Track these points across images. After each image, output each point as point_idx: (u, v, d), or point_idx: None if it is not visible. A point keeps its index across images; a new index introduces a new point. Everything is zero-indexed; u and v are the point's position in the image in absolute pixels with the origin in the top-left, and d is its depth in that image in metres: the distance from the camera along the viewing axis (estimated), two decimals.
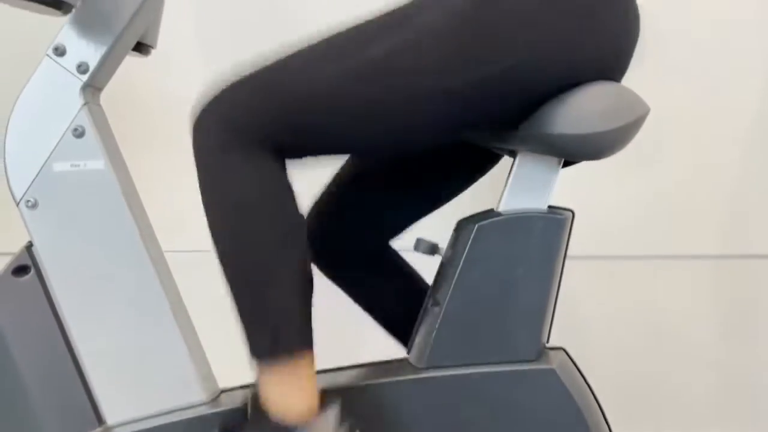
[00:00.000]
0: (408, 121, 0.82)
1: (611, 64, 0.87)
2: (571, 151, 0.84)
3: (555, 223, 0.90)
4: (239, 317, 0.85)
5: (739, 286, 1.76)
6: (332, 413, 0.83)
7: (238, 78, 0.86)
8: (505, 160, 1.03)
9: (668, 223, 1.72)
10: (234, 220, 0.84)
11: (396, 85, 0.80)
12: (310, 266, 0.86)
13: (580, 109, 0.81)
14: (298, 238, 0.85)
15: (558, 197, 0.95)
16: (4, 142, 0.96)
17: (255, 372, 0.86)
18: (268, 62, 0.86)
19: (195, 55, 1.84)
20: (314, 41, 0.85)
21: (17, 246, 0.98)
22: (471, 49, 0.80)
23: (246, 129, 0.82)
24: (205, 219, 0.91)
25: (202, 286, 1.80)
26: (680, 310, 1.74)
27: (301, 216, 0.86)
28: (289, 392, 0.83)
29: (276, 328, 0.83)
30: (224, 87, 0.86)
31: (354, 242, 1.10)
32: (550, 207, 0.93)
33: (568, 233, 0.92)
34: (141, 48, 1.11)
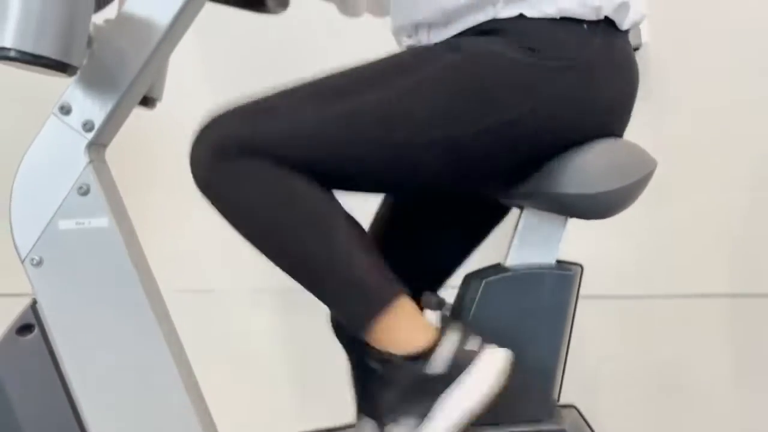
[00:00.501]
0: (390, 169, 0.83)
1: (613, 118, 0.86)
2: (578, 211, 0.83)
3: (564, 279, 0.89)
4: (327, 303, 0.86)
5: (751, 325, 1.73)
6: (455, 331, 0.83)
7: (231, 106, 0.87)
8: (513, 211, 1.03)
9: (678, 262, 1.71)
10: (264, 222, 0.84)
11: (388, 131, 0.81)
12: (353, 219, 0.86)
13: (586, 169, 0.80)
14: (327, 203, 0.84)
15: (565, 237, 0.94)
16: (10, 200, 0.96)
17: (370, 340, 0.84)
18: (269, 93, 0.87)
19: (200, 90, 1.85)
20: (313, 80, 0.86)
21: (21, 286, 0.97)
22: (469, 102, 0.81)
23: (236, 142, 0.83)
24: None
25: (207, 323, 1.78)
26: (692, 351, 1.72)
27: (323, 191, 0.85)
28: (406, 335, 0.83)
29: (360, 293, 0.83)
30: (222, 110, 0.88)
31: None
32: (558, 261, 0.92)
33: (577, 289, 0.91)
34: (146, 101, 1.12)
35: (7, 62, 0.84)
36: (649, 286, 1.73)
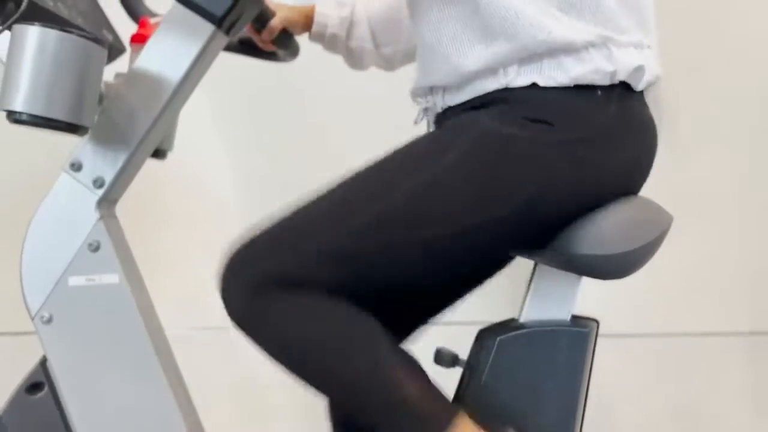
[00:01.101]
0: (427, 266, 0.82)
1: (630, 180, 0.85)
2: (594, 272, 0.82)
3: (579, 336, 0.87)
4: (380, 429, 0.82)
5: None
6: None
7: (259, 232, 0.85)
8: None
9: (698, 300, 1.68)
10: (306, 354, 0.82)
11: (418, 230, 0.80)
12: (392, 337, 0.84)
13: (602, 230, 0.79)
14: (369, 325, 0.82)
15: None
16: (21, 255, 0.96)
17: None
18: (291, 213, 0.85)
19: (211, 133, 1.86)
20: (332, 189, 0.84)
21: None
22: (490, 189, 0.80)
23: (270, 277, 0.81)
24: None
25: (219, 361, 1.77)
26: (712, 389, 1.68)
27: (363, 313, 0.83)
28: None
29: (418, 419, 0.80)
30: (248, 241, 0.85)
31: None
32: (574, 317, 0.90)
33: (593, 346, 0.89)
34: (157, 152, 1.12)
35: (19, 124, 0.84)
36: (669, 324, 1.70)
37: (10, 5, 0.87)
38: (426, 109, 0.93)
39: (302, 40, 1.22)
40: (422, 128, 0.99)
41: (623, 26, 0.84)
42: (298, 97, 1.73)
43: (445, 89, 0.87)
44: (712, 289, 1.67)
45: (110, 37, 1.12)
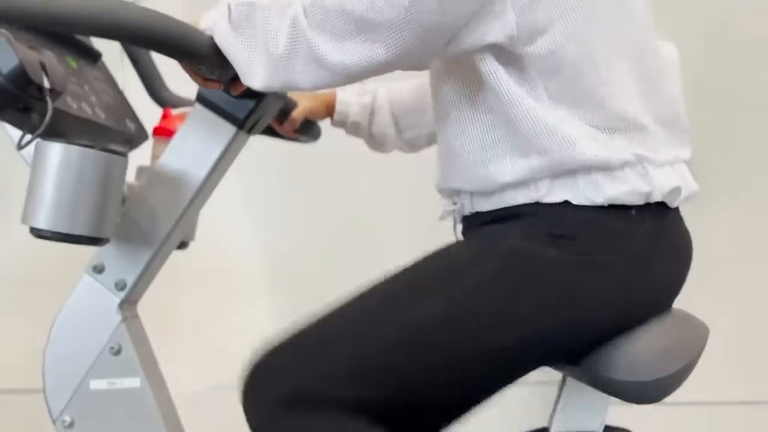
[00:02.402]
0: (455, 379, 0.79)
1: (665, 298, 0.83)
2: (628, 397, 0.79)
3: None
4: None
5: None
6: None
7: (285, 339, 0.83)
8: None
9: (726, 368, 1.63)
10: None
11: (452, 348, 0.77)
12: None
13: (637, 356, 0.76)
14: None
15: None
16: (43, 359, 0.95)
17: None
18: (316, 322, 0.82)
19: (229, 191, 1.86)
20: (364, 295, 0.82)
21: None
22: (522, 310, 0.77)
23: (298, 393, 0.78)
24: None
25: (238, 420, 1.74)
26: None
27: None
28: None
29: None
30: (273, 349, 0.82)
31: None
32: (607, 427, 0.87)
33: None
34: (179, 243, 1.11)
35: (42, 239, 0.84)
36: (702, 392, 1.65)
37: (35, 116, 0.87)
38: (453, 210, 0.91)
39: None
40: (448, 224, 0.97)
41: (660, 141, 0.81)
42: (318, 152, 1.72)
43: (472, 194, 0.85)
44: (741, 357, 1.63)
45: (133, 127, 1.12)
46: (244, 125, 0.94)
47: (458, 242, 0.87)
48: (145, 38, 0.72)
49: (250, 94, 0.88)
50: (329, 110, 1.12)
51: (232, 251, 1.97)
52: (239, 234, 1.99)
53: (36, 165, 0.84)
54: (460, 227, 0.93)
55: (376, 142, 1.14)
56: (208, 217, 1.64)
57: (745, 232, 1.70)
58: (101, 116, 1.02)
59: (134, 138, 1.12)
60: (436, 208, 0.96)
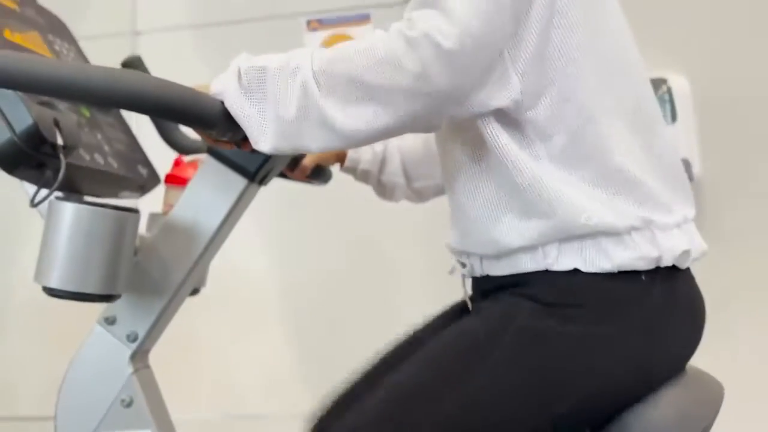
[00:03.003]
0: None
1: (681, 358, 0.82)
2: None
3: None
4: None
5: None
6: None
7: (339, 413, 0.83)
8: None
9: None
10: None
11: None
12: None
13: (654, 425, 0.76)
14: None
15: None
16: (56, 410, 0.96)
17: None
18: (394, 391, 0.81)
19: (249, 227, 1.86)
20: (392, 383, 0.81)
21: None
22: (540, 389, 0.77)
23: None
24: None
25: None
26: None
27: None
28: None
29: None
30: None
31: None
32: None
33: None
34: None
35: (55, 297, 0.85)
36: None
37: (48, 172, 0.88)
38: (463, 271, 0.91)
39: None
40: (457, 279, 0.96)
41: (665, 202, 0.81)
42: (336, 190, 1.72)
43: (482, 257, 0.85)
44: None
45: (145, 173, 1.13)
46: (255, 177, 0.95)
47: (473, 318, 0.85)
48: (156, 108, 0.72)
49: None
50: (339, 157, 1.12)
51: (250, 282, 1.98)
52: (257, 265, 2.00)
53: (49, 223, 0.85)
54: (469, 282, 0.92)
55: (385, 190, 1.14)
56: (227, 243, 1.64)
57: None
58: (114, 165, 1.03)
59: (146, 184, 1.13)
60: (447, 253, 0.96)
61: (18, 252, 2.09)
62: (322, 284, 1.95)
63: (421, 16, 0.71)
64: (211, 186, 0.95)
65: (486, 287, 0.86)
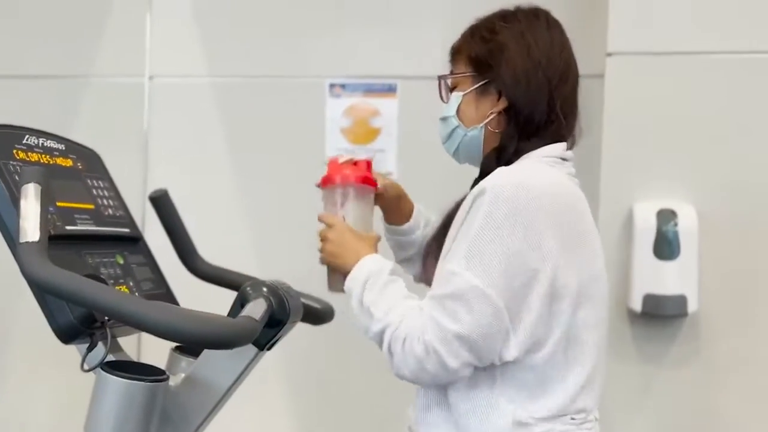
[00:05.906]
0: None
1: None
2: None
3: None
4: None
5: None
6: None
7: None
8: None
9: None
10: None
11: None
12: None
13: None
14: None
15: None
16: None
17: None
18: None
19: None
20: None
21: None
22: None
23: None
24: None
25: None
26: None
27: None
28: None
29: None
30: None
31: None
32: None
33: None
34: None
35: None
36: None
37: (95, 338, 1.06)
38: None
39: None
40: None
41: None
42: None
43: None
44: None
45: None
46: (265, 347, 1.13)
47: None
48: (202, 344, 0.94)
49: (272, 323, 1.09)
50: (404, 212, 1.29)
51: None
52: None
53: (97, 389, 1.04)
54: None
55: (403, 252, 1.32)
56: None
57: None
58: (144, 288, 1.22)
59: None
60: None
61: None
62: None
63: (438, 316, 0.99)
64: (226, 352, 1.13)
65: None
